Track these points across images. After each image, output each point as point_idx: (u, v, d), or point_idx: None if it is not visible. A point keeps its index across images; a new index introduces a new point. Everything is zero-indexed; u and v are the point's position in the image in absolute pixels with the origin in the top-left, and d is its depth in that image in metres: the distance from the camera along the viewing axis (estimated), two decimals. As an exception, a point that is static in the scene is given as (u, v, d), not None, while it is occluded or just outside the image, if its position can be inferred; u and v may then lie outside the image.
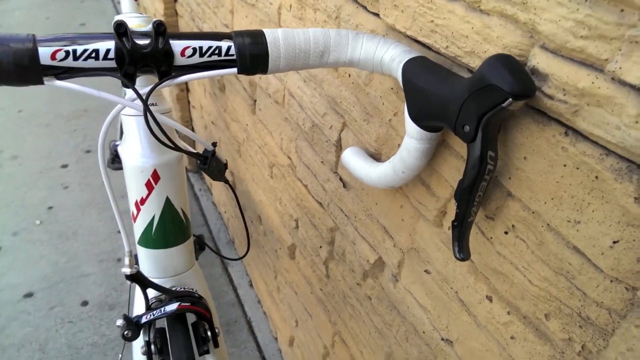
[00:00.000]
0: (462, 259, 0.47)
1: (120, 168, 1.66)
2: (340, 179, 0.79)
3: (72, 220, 1.94)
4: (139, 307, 0.62)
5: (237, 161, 1.47)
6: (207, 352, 0.61)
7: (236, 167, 1.49)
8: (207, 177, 2.06)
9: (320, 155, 0.85)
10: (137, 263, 0.62)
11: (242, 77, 1.21)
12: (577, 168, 0.39)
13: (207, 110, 1.73)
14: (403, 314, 0.69)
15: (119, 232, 1.91)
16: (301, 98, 0.86)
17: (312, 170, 0.89)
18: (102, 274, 1.73)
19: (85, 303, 1.62)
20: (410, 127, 0.49)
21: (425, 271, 0.61)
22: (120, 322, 0.59)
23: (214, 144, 0.56)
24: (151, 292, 0.60)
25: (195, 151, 0.54)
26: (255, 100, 1.16)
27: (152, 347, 0.59)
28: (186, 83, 1.98)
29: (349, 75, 0.70)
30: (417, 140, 0.49)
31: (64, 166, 2.23)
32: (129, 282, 0.58)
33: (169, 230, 0.61)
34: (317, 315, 1.06)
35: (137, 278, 0.57)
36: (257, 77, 1.09)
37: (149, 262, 0.62)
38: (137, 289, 0.62)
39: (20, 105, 2.65)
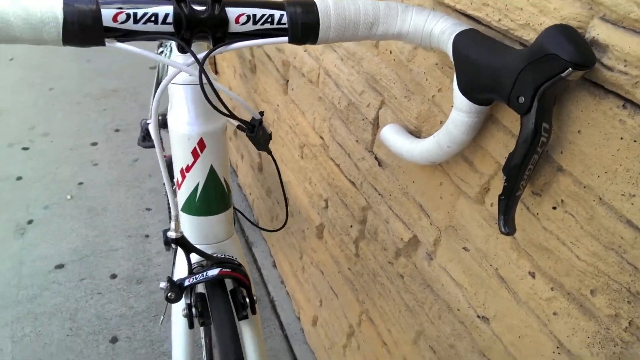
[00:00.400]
0: (507, 234, 0.47)
1: (151, 146, 1.69)
2: (376, 158, 0.80)
3: (101, 197, 1.99)
4: (180, 271, 0.64)
5: (265, 142, 1.48)
6: (246, 317, 0.63)
7: (264, 148, 1.50)
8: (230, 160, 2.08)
9: (355, 134, 0.85)
10: None
11: (274, 56, 1.22)
12: (635, 141, 0.38)
13: (237, 91, 1.74)
14: (437, 292, 0.69)
15: (147, 209, 1.95)
16: (337, 76, 0.86)
17: (346, 149, 0.89)
18: (131, 249, 1.77)
19: (114, 276, 1.66)
20: (459, 100, 0.49)
21: (464, 248, 0.61)
22: (163, 284, 0.61)
23: (261, 113, 0.57)
24: (193, 258, 0.62)
25: (243, 120, 0.55)
26: (288, 80, 1.16)
27: (193, 310, 0.61)
28: (215, 64, 2.00)
29: (390, 52, 0.70)
30: (465, 114, 0.49)
31: (94, 144, 2.28)
32: (173, 246, 0.60)
33: (212, 198, 0.62)
34: (343, 294, 1.07)
35: (182, 242, 0.59)
36: (291, 57, 1.09)
37: (191, 228, 0.64)
38: (179, 254, 0.64)
39: (51, 84, 2.71)
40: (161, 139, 1.58)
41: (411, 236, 0.73)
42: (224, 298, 0.61)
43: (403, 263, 0.77)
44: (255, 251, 1.83)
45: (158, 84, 1.58)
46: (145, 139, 1.68)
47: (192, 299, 0.62)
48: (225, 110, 0.49)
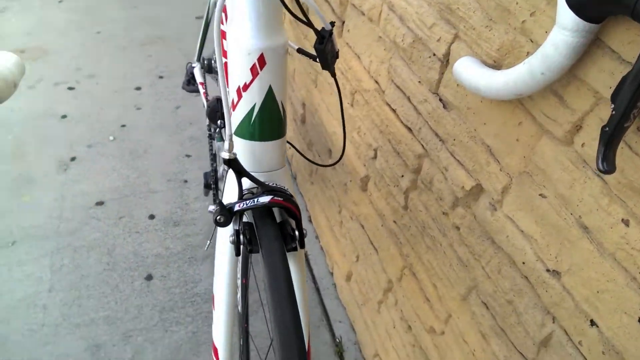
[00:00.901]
0: (606, 172, 0.41)
1: (196, 90, 1.67)
2: (440, 100, 0.74)
3: (143, 140, 1.99)
4: (230, 196, 0.61)
5: (312, 92, 1.43)
6: (294, 249, 0.60)
7: (310, 97, 1.46)
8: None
9: (417, 75, 0.79)
10: None
11: (331, -2, 1.15)
12: None
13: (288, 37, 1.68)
14: (499, 244, 0.64)
15: (186, 155, 1.95)
16: (404, 10, 0.80)
17: (406, 92, 0.83)
18: (170, 192, 1.78)
19: (152, 217, 1.68)
20: (566, 16, 0.43)
21: (540, 195, 0.55)
22: (212, 207, 0.59)
23: (332, 23, 0.52)
24: (244, 184, 0.59)
25: (315, 28, 0.50)
26: (344, 22, 1.10)
27: (241, 237, 0.58)
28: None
29: (472, -21, 0.63)
30: (570, 33, 0.43)
31: (138, 88, 2.27)
32: (224, 168, 0.57)
33: (268, 122, 0.58)
34: (385, 248, 1.04)
35: (234, 165, 0.55)
36: (350, -5, 1.03)
37: (243, 153, 0.60)
38: (230, 179, 0.61)
39: (98, 27, 2.71)
40: (205, 82, 1.55)
41: (474, 184, 0.67)
42: (274, 226, 0.58)
43: (460, 214, 0.72)
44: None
45: (206, 28, 1.54)
46: (190, 82, 1.66)
47: (241, 226, 0.59)
48: (302, 16, 0.44)
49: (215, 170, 1.28)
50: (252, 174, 0.59)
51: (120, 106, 2.16)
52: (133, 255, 1.54)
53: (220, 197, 1.30)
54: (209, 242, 0.63)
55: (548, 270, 0.56)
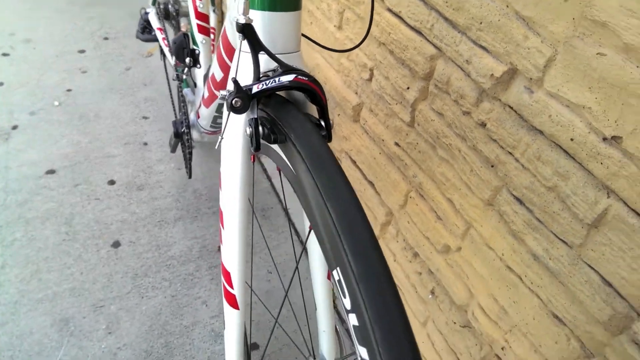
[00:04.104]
0: None
1: (153, 39, 1.52)
2: (456, -12, 0.67)
3: (92, 104, 1.82)
4: (245, 78, 0.51)
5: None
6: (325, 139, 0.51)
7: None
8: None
9: (425, -31, 0.72)
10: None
11: None
12: None
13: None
14: (539, 128, 0.59)
15: (143, 117, 1.80)
16: None
17: (410, -8, 0.77)
18: (129, 155, 1.63)
19: (112, 182, 1.53)
20: None
21: (598, 54, 0.50)
22: (225, 91, 0.49)
23: None
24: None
25: None
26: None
27: (261, 128, 0.49)
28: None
29: None
30: None
31: (81, 51, 2.07)
32: (239, 37, 0.47)
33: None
34: (383, 178, 0.97)
35: (250, 32, 0.46)
36: None
37: (257, 28, 0.51)
38: (243, 57, 0.51)
39: (29, -9, 2.45)
40: (163, 28, 1.41)
41: (505, 69, 0.62)
42: (301, 112, 0.49)
43: (487, 108, 0.66)
44: (264, 161, 1.71)
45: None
46: (145, 30, 1.52)
47: (259, 113, 0.49)
48: None
49: (186, 115, 1.16)
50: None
51: (63, 71, 1.96)
52: (95, 223, 1.40)
53: (192, 148, 1.18)
54: (221, 137, 0.53)
55: (605, 139, 0.52)
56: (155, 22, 1.44)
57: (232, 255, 0.59)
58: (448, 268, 0.85)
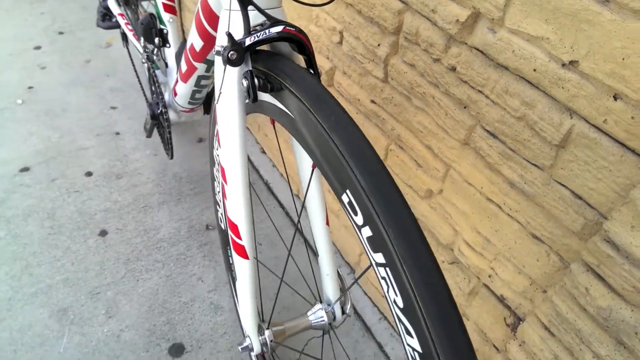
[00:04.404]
0: None
1: (114, 25, 1.51)
2: (417, -58, 0.72)
3: (57, 99, 1.79)
4: (236, 33, 0.54)
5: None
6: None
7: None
8: None
9: None
10: None
11: None
12: None
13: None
14: (504, 64, 0.65)
15: (112, 108, 1.79)
16: None
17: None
18: (102, 146, 1.62)
19: (89, 174, 1.52)
20: None
21: (551, -14, 0.56)
22: (219, 47, 0.52)
23: None
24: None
25: None
26: None
27: (256, 80, 0.53)
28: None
29: None
30: None
31: (37, 48, 2.02)
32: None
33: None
34: (363, 136, 1.02)
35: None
36: None
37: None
38: (233, 16, 0.54)
39: (-30, -10, 2.35)
40: (125, 13, 1.40)
41: (469, 13, 0.67)
42: (289, 60, 0.53)
43: (455, 53, 0.72)
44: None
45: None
46: (105, 18, 1.50)
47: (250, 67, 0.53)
48: None
49: (161, 96, 1.17)
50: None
51: (21, 69, 1.91)
52: (78, 215, 1.40)
53: (170, 127, 1.20)
54: (220, 92, 0.56)
55: (564, 65, 0.58)
56: (115, 9, 1.43)
57: (237, 208, 0.62)
58: (432, 212, 0.91)
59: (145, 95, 1.38)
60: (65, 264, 1.27)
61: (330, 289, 0.73)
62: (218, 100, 0.56)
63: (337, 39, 0.98)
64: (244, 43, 0.51)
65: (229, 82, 0.55)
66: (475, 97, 0.71)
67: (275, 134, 0.68)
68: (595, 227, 0.61)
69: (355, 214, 0.43)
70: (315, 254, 0.72)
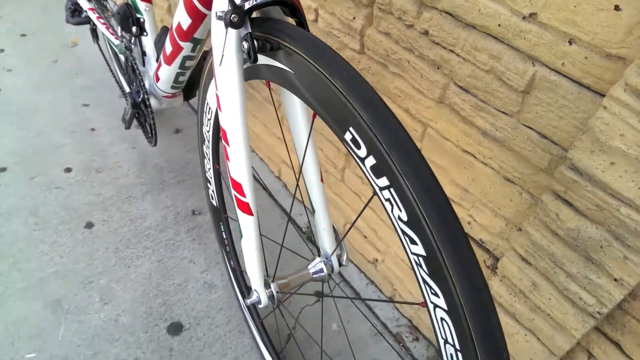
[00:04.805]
0: None
1: (84, 21, 1.52)
2: None
3: (27, 100, 1.77)
4: (223, 4, 0.59)
5: None
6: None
7: None
8: None
9: None
10: None
11: None
12: None
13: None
14: (472, 23, 0.72)
15: (84, 105, 1.78)
16: None
17: None
18: (79, 143, 1.63)
19: (68, 170, 1.53)
20: None
21: (509, -53, 0.63)
22: (219, 12, 0.57)
23: None
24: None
25: None
26: None
27: (255, 42, 0.58)
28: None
29: None
30: None
31: (1, 51, 1.99)
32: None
33: None
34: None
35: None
36: None
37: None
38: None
39: None
40: (95, 8, 1.41)
41: (438, -22, 0.74)
42: (284, 21, 0.58)
43: (427, 17, 0.79)
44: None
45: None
46: (75, 14, 1.50)
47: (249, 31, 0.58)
48: None
49: (142, 82, 1.20)
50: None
51: (-15, 71, 1.87)
52: (62, 210, 1.40)
53: (153, 114, 1.22)
54: (222, 55, 0.61)
55: (524, 18, 0.65)
56: (85, 4, 1.43)
57: (240, 167, 0.67)
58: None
59: (121, 88, 1.40)
60: (54, 258, 1.27)
61: (327, 243, 0.79)
62: (221, 62, 0.61)
63: (313, 17, 1.04)
64: (244, 7, 0.56)
65: (229, 45, 0.59)
66: (447, 56, 0.78)
67: (273, 102, 0.72)
68: (560, 160, 0.69)
69: (359, 148, 0.49)
70: (312, 211, 0.78)
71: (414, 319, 1.19)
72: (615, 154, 0.57)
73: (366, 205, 0.57)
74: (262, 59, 0.61)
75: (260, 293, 0.75)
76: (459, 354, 0.46)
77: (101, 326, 1.14)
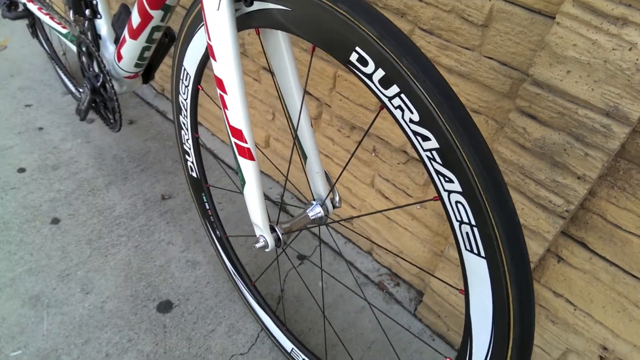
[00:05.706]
0: None
1: (22, 15, 1.46)
2: None
3: (-40, 105, 1.66)
4: None
5: None
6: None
7: None
8: None
9: None
10: None
11: None
12: None
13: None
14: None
15: (26, 105, 1.70)
16: None
17: None
18: (28, 143, 1.56)
19: (22, 170, 1.46)
20: None
21: None
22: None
23: None
24: None
25: None
26: None
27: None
28: None
29: None
30: None
31: None
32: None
33: None
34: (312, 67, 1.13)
35: None
36: None
37: None
38: None
39: None
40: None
41: None
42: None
43: (388, -31, 0.86)
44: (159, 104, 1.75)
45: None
46: (11, 8, 1.45)
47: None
48: None
49: (101, 65, 1.18)
50: None
51: None
52: (23, 209, 1.34)
53: (117, 95, 1.21)
54: (219, 3, 0.64)
55: (480, -43, 0.74)
56: (22, -5, 1.38)
57: (239, 114, 0.70)
58: (383, 121, 1.05)
59: (72, 79, 1.36)
60: (23, 256, 1.22)
61: (320, 187, 0.84)
62: (219, 7, 0.64)
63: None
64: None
65: (223, 5, 0.63)
66: (410, 3, 0.86)
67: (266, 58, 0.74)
68: (520, 83, 0.79)
69: (366, 65, 0.54)
70: (305, 157, 0.82)
71: (393, 267, 1.27)
72: (570, 62, 0.67)
73: (372, 121, 0.62)
74: (256, 4, 0.65)
75: (266, 237, 0.79)
76: (475, 229, 0.53)
77: (87, 314, 1.12)
